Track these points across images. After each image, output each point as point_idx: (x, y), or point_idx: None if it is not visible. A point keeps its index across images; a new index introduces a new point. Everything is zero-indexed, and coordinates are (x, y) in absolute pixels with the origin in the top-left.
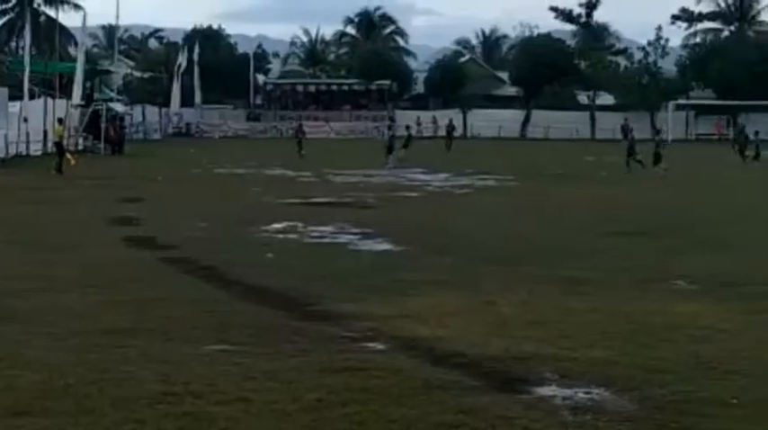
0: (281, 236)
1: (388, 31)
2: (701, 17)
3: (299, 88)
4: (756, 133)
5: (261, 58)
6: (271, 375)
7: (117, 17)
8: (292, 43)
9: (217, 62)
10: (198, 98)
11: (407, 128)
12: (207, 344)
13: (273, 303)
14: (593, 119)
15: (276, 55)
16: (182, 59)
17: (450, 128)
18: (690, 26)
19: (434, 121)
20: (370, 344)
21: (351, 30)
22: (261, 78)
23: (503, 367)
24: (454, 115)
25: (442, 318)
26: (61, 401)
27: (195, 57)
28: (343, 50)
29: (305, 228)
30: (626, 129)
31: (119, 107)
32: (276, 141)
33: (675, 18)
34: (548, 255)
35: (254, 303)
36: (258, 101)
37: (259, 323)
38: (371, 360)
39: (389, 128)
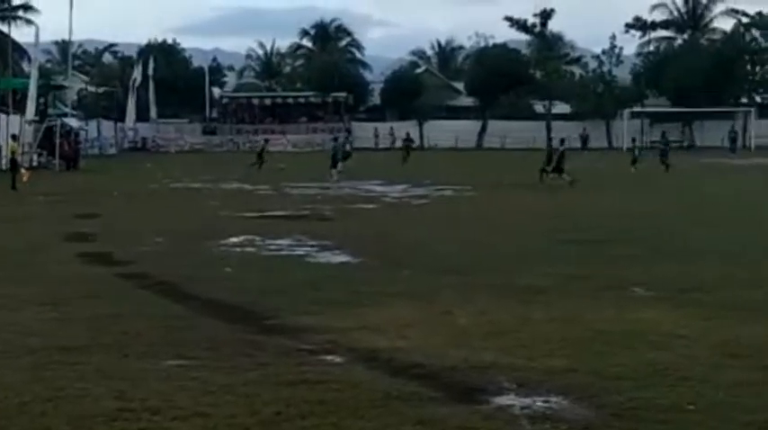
0: (238, 249)
1: (343, 42)
2: (655, 26)
3: (255, 101)
4: (633, 140)
5: (216, 71)
6: (228, 389)
7: (70, 32)
8: (248, 56)
9: (172, 76)
10: (153, 112)
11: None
12: (164, 359)
13: (231, 317)
14: (549, 128)
15: (231, 68)
16: (136, 74)
17: (409, 140)
18: (643, 35)
19: (392, 133)
20: (329, 357)
21: (306, 42)
22: (216, 92)
23: (461, 377)
24: (411, 127)
25: (401, 330)
26: (16, 420)
27: (150, 71)
28: (298, 63)
29: (262, 241)
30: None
31: (73, 122)
32: (233, 155)
33: (629, 27)
34: (505, 265)
35: (212, 317)
36: (214, 114)
37: (216, 337)
38: (330, 372)
39: (335, 139)
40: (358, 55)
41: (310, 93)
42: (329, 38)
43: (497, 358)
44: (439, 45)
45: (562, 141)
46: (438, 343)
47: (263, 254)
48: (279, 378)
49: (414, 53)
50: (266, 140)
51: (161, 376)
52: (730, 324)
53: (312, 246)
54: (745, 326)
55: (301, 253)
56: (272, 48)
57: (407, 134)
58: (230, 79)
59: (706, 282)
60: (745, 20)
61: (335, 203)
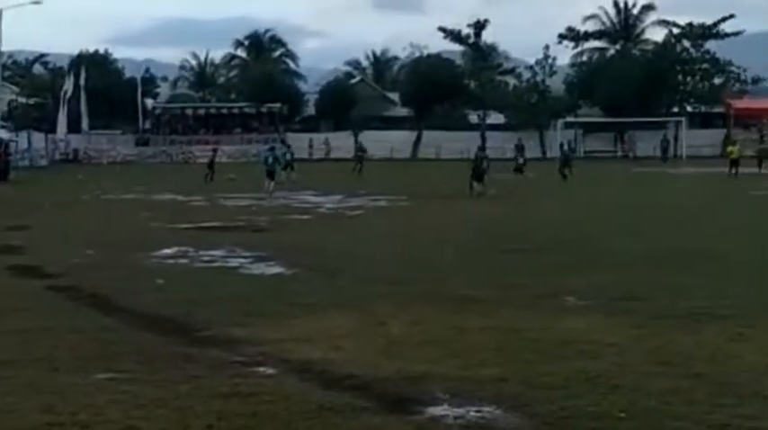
0: (171, 261)
1: (278, 53)
2: (588, 36)
3: (189, 112)
4: (516, 147)
5: (149, 82)
6: (160, 402)
7: (0, 42)
8: (181, 67)
9: (104, 87)
10: (85, 124)
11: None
12: (95, 372)
13: (163, 329)
14: (483, 138)
15: (165, 79)
16: (68, 85)
17: (361, 151)
18: (576, 45)
19: (326, 143)
20: (261, 369)
21: (240, 52)
22: (149, 103)
23: (394, 388)
24: (345, 137)
25: (334, 341)
26: None
27: (82, 81)
28: (232, 73)
29: (195, 252)
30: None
31: (3, 134)
32: (166, 166)
33: (562, 37)
34: (440, 275)
35: (143, 330)
36: (147, 125)
37: (148, 350)
38: (262, 384)
39: (271, 149)
40: (292, 65)
41: (244, 103)
42: (263, 48)
43: (430, 368)
44: (374, 56)
45: (483, 149)
46: (371, 353)
47: (196, 265)
48: (211, 390)
49: (348, 64)
50: (215, 150)
51: (91, 390)
52: (661, 332)
53: (246, 257)
54: (675, 335)
55: (235, 264)
56: (205, 58)
57: (360, 144)
58: (164, 90)
59: (636, 290)
60: (676, 30)
61: (270, 214)
